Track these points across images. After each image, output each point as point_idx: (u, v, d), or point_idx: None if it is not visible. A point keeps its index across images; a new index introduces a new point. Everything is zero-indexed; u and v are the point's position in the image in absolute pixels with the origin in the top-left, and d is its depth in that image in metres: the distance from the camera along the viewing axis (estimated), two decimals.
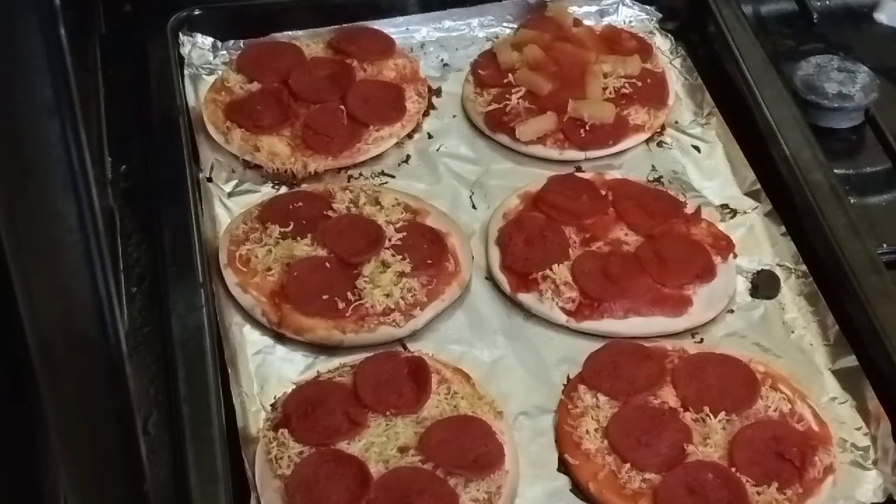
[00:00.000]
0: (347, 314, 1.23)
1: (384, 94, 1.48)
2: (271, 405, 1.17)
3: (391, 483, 1.08)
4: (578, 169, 1.43)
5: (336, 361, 1.22)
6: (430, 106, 1.51)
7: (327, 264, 1.28)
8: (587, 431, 1.14)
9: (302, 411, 1.13)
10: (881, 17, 1.66)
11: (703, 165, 1.44)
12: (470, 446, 1.11)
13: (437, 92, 1.53)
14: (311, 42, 1.55)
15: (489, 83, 1.50)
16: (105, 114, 1.44)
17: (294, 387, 1.18)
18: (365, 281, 1.26)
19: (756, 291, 1.30)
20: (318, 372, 1.20)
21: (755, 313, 1.28)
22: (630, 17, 1.63)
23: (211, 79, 1.52)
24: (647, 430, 1.14)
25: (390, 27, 1.58)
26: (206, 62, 1.55)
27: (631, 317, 1.25)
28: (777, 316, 1.28)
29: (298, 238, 1.30)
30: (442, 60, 1.58)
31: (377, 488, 1.07)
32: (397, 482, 1.08)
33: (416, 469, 1.09)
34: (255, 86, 1.48)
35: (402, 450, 1.11)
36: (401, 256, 1.28)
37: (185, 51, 1.54)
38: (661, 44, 1.60)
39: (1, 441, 0.84)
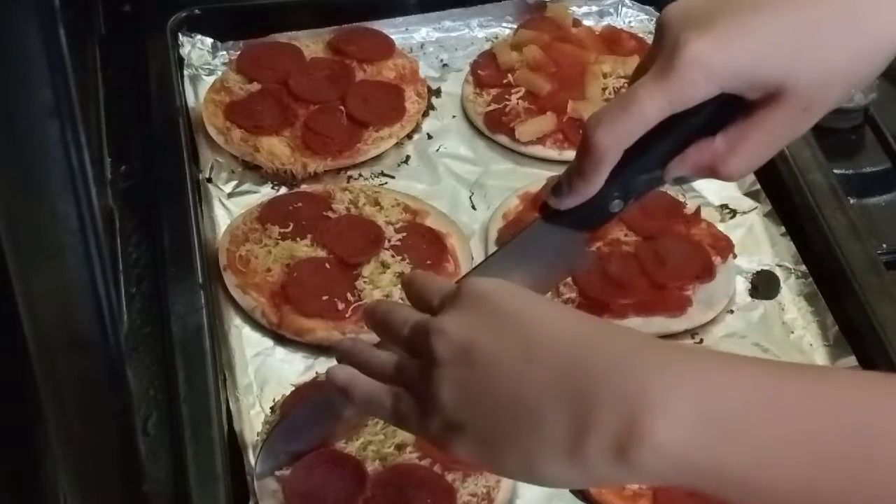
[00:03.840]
0: (347, 315, 1.23)
1: (384, 95, 1.48)
2: (270, 408, 1.17)
3: (388, 480, 1.08)
4: None
5: (336, 363, 1.21)
6: (430, 106, 1.51)
7: (327, 265, 1.28)
8: None
9: None
10: None
11: None
12: None
13: (437, 92, 1.53)
14: (310, 42, 1.55)
15: (489, 84, 1.50)
16: (105, 114, 1.44)
17: (293, 388, 1.18)
18: (365, 282, 1.26)
19: (756, 292, 1.30)
20: (316, 373, 1.20)
21: (755, 314, 1.28)
22: (630, 18, 1.63)
23: (210, 79, 1.52)
24: None
25: (390, 28, 1.58)
26: (205, 63, 1.55)
27: (630, 317, 1.25)
28: (777, 316, 1.28)
29: (298, 239, 1.30)
30: (441, 61, 1.58)
31: (374, 485, 1.08)
32: (394, 478, 1.08)
33: (413, 465, 1.09)
34: (255, 86, 1.47)
35: (400, 447, 1.11)
36: (400, 257, 1.28)
37: (184, 51, 1.54)
38: None
39: (0, 441, 0.85)
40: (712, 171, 0.94)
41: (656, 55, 0.90)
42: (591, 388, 0.74)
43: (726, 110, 0.92)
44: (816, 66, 0.89)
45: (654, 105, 0.88)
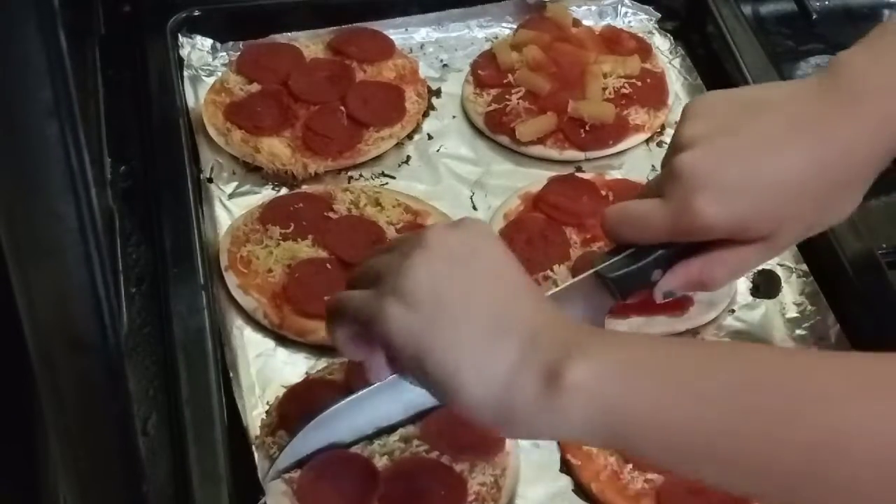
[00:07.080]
0: None
1: (384, 95, 1.48)
2: (266, 411, 1.16)
3: (399, 475, 1.08)
4: (579, 169, 1.43)
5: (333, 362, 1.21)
6: (430, 107, 1.51)
7: (328, 266, 1.28)
8: None
9: (298, 412, 1.12)
10: None
11: None
12: (470, 430, 1.10)
13: (437, 93, 1.53)
14: (310, 43, 1.55)
15: (489, 84, 1.50)
16: (105, 114, 1.44)
17: (285, 389, 1.17)
18: None
19: (757, 291, 1.30)
20: (307, 373, 1.20)
21: (756, 313, 1.28)
22: (629, 18, 1.63)
23: (210, 80, 1.52)
24: None
25: (389, 28, 1.58)
26: (205, 64, 1.55)
27: (632, 317, 1.25)
28: (778, 316, 1.28)
29: (299, 240, 1.30)
30: (441, 61, 1.57)
31: (386, 482, 1.08)
32: (405, 474, 1.08)
33: (422, 459, 1.09)
34: (255, 87, 1.48)
35: (405, 440, 1.11)
36: None
37: (184, 52, 1.54)
38: (661, 44, 1.60)
39: (0, 442, 0.85)
40: (700, 282, 1.06)
41: (670, 193, 1.02)
42: (540, 335, 0.87)
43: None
44: (798, 225, 1.04)
45: (661, 232, 1.03)
